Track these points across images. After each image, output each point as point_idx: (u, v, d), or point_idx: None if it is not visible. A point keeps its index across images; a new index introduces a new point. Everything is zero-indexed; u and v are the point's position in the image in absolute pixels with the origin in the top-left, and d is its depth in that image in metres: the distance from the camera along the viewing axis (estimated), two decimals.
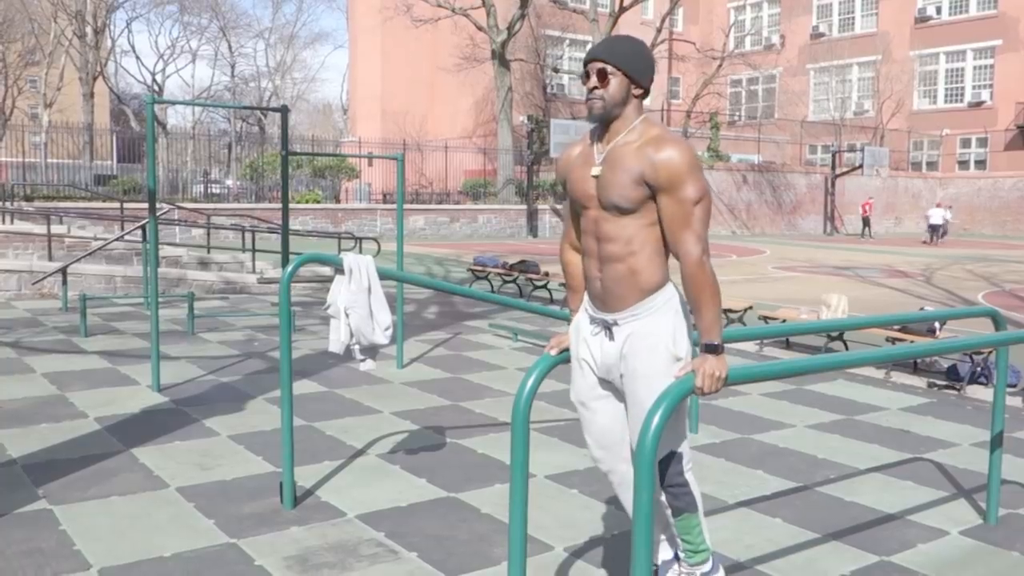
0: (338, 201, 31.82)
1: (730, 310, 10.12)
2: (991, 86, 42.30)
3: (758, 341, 9.30)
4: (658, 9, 42.62)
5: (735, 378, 2.68)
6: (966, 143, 43.68)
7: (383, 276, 4.44)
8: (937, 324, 7.99)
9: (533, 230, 31.92)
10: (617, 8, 33.34)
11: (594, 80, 2.76)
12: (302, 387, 6.94)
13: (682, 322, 2.84)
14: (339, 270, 4.33)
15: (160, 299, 9.40)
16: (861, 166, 37.74)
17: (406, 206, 28.71)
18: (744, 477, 5.02)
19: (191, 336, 9.31)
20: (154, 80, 54.77)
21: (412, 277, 5.17)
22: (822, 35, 47.31)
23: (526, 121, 33.15)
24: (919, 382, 7.74)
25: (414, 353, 8.55)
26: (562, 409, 6.41)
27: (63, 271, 11.54)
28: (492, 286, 14.18)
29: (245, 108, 32.21)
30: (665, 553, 3.19)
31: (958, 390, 7.41)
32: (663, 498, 2.95)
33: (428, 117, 43.64)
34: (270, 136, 40.64)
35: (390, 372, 7.65)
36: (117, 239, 13.12)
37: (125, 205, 20.49)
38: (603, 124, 2.83)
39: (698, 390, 2.59)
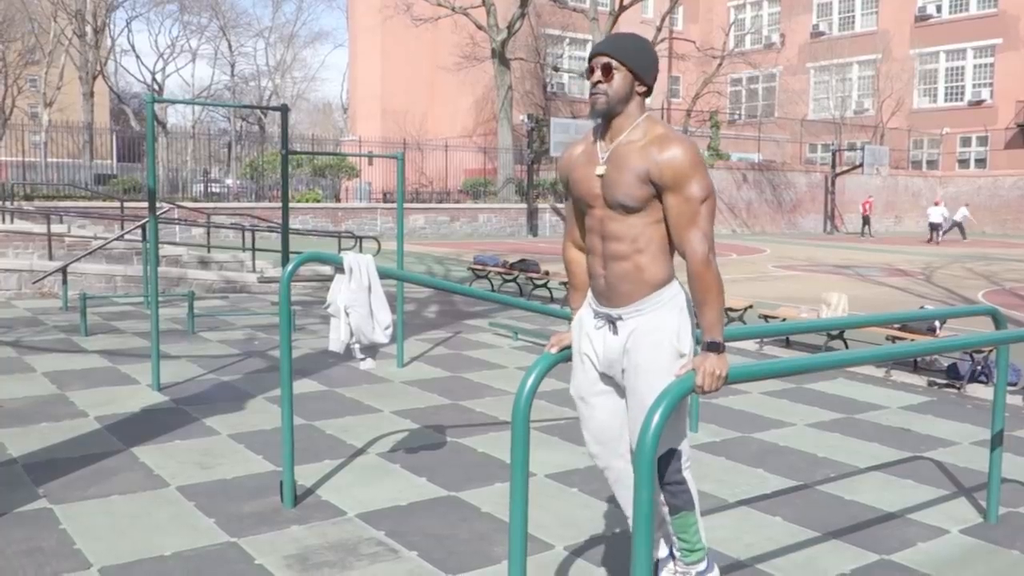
0: (338, 200, 31.82)
1: (730, 309, 10.11)
2: (991, 85, 42.29)
3: (758, 340, 9.29)
4: (658, 8, 42.61)
5: (735, 377, 2.68)
6: (966, 142, 43.67)
7: (383, 275, 4.44)
8: (937, 323, 7.99)
9: (533, 229, 31.92)
10: (617, 7, 33.32)
11: (598, 74, 2.76)
12: (302, 386, 6.94)
13: (687, 319, 2.84)
14: (339, 269, 4.33)
15: (160, 298, 9.40)
16: (861, 165, 37.73)
17: (406, 205, 28.71)
18: (744, 476, 5.02)
19: (191, 335, 9.32)
20: (154, 79, 54.77)
21: (412, 276, 5.17)
22: (822, 34, 47.29)
23: (526, 120, 33.13)
24: (919, 381, 7.74)
25: (414, 352, 8.55)
26: (562, 408, 6.41)
27: (63, 270, 11.55)
28: (492, 285, 14.18)
29: (245, 107, 32.21)
30: (660, 551, 3.18)
31: (958, 389, 7.41)
32: (661, 496, 2.95)
33: (428, 116, 43.63)
34: (270, 135, 40.64)
35: (390, 371, 7.65)
36: (117, 238, 13.12)
37: (125, 204, 20.49)
38: (605, 121, 2.82)
39: (698, 388, 2.59)
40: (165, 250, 14.23)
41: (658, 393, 2.54)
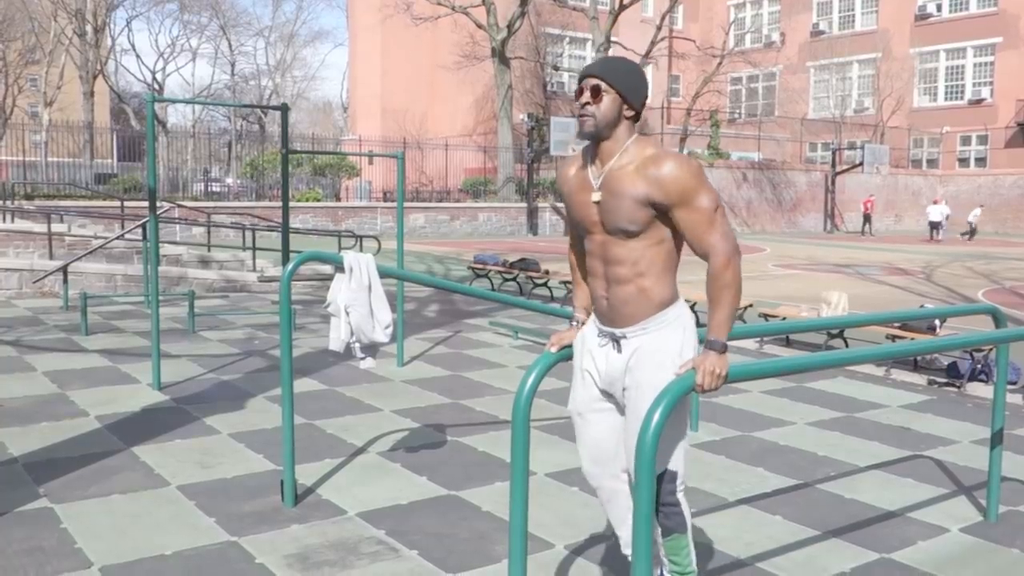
0: (338, 199, 31.82)
1: None
2: (991, 83, 42.27)
3: (758, 339, 9.30)
4: (658, 7, 42.57)
5: (735, 375, 2.68)
6: (966, 140, 43.66)
7: (383, 274, 4.44)
8: (937, 321, 7.99)
9: (533, 228, 31.92)
10: (617, 6, 33.30)
11: (587, 96, 2.73)
12: (303, 385, 6.94)
13: (692, 339, 2.82)
14: (339, 268, 4.33)
15: (161, 297, 9.40)
16: (861, 164, 37.71)
17: (406, 204, 28.70)
18: (744, 474, 5.02)
19: (192, 334, 9.32)
20: (154, 79, 54.73)
21: (412, 275, 5.17)
22: (822, 33, 47.28)
23: (526, 119, 33.12)
24: (919, 379, 7.74)
25: (414, 351, 8.55)
26: (562, 407, 6.41)
27: (64, 270, 11.55)
28: (492, 284, 14.18)
29: (245, 106, 32.22)
30: None
31: (958, 387, 7.41)
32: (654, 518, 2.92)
33: (428, 115, 43.62)
34: (270, 134, 40.63)
35: (390, 370, 7.65)
36: (117, 238, 13.12)
37: (125, 204, 20.48)
38: (594, 144, 2.79)
39: (698, 387, 2.59)
40: (165, 249, 14.24)
41: None
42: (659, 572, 3.12)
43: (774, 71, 48.89)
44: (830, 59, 45.19)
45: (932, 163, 45.02)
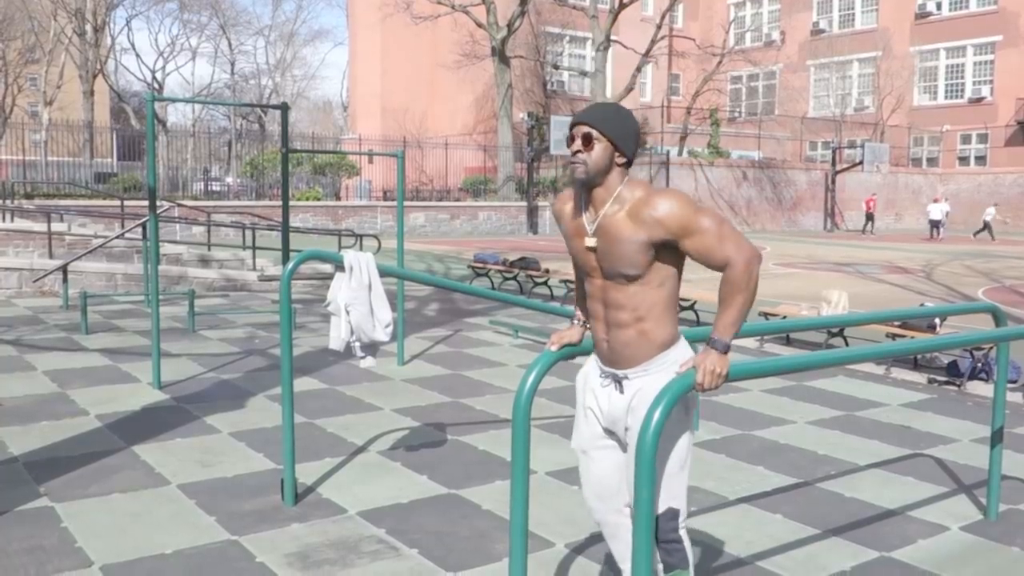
0: (338, 198, 31.82)
1: None
2: (991, 82, 42.27)
3: (758, 337, 9.30)
4: (658, 5, 42.55)
5: (736, 374, 2.68)
6: (966, 139, 43.66)
7: (383, 273, 4.44)
8: (937, 320, 7.99)
9: (533, 227, 31.92)
10: (617, 4, 33.28)
11: (578, 143, 2.72)
12: (303, 384, 6.94)
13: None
14: (340, 267, 4.33)
15: (161, 297, 9.40)
16: (861, 162, 37.70)
17: (406, 203, 28.69)
18: (745, 473, 5.02)
19: (192, 333, 9.32)
20: (154, 78, 54.71)
21: (412, 274, 5.17)
22: (822, 31, 47.27)
23: (526, 118, 33.13)
24: (919, 378, 7.74)
25: (415, 350, 8.55)
26: (563, 406, 6.41)
27: (64, 269, 11.55)
28: (492, 283, 14.18)
29: (245, 105, 32.20)
30: None
31: (958, 386, 7.41)
32: (656, 554, 2.90)
33: (428, 114, 43.61)
34: (270, 133, 40.62)
35: (391, 369, 7.65)
36: (117, 237, 13.13)
37: (125, 203, 20.47)
38: (587, 191, 2.78)
39: (698, 386, 2.58)
40: (165, 248, 14.24)
41: (661, 455, 2.59)
42: None
43: (774, 70, 48.88)
44: (830, 58, 45.19)
45: (932, 162, 45.01)
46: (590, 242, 2.77)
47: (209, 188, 32.50)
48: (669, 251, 2.70)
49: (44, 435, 5.47)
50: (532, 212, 32.02)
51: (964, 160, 43.87)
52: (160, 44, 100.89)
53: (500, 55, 33.40)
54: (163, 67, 73.86)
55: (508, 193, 33.30)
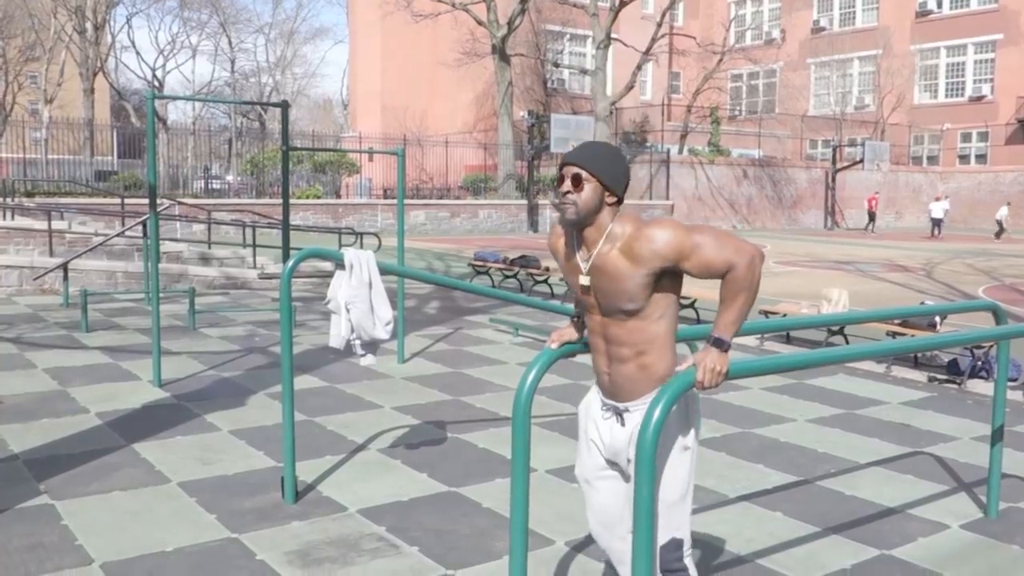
0: (338, 196, 31.79)
1: None
2: (992, 80, 42.24)
3: (759, 335, 9.30)
4: (658, 3, 42.51)
5: (736, 372, 2.68)
6: (967, 137, 43.63)
7: (384, 271, 4.44)
8: (938, 318, 7.99)
9: (534, 225, 31.90)
10: (617, 2, 33.26)
11: (568, 184, 2.72)
12: (303, 382, 6.94)
13: (694, 409, 2.81)
14: (340, 265, 4.33)
15: (161, 295, 9.40)
16: (862, 161, 37.67)
17: (406, 201, 28.68)
18: (745, 471, 5.03)
19: (192, 331, 9.32)
20: (154, 76, 54.68)
21: (413, 272, 5.17)
22: (823, 29, 47.24)
23: (526, 116, 33.09)
24: (920, 376, 7.74)
25: (415, 348, 8.55)
26: (563, 404, 6.42)
27: (64, 267, 11.55)
28: (493, 281, 14.18)
29: (245, 104, 32.19)
30: None
31: (959, 384, 7.41)
32: None
33: (428, 112, 43.59)
34: (270, 132, 40.60)
35: (391, 367, 7.65)
36: (118, 235, 13.12)
37: (126, 201, 20.45)
38: (578, 231, 2.79)
39: (699, 384, 2.58)
40: (166, 246, 14.23)
41: (663, 484, 2.59)
42: None
43: (775, 68, 48.85)
44: (831, 56, 45.15)
45: (932, 160, 44.99)
46: (584, 280, 2.77)
47: (209, 186, 32.47)
48: (668, 277, 2.69)
49: (44, 433, 5.47)
50: (532, 210, 32.01)
51: (964, 158, 43.85)
52: (160, 42, 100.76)
53: (500, 53, 33.37)
54: (163, 65, 73.76)
55: (508, 191, 33.29)
